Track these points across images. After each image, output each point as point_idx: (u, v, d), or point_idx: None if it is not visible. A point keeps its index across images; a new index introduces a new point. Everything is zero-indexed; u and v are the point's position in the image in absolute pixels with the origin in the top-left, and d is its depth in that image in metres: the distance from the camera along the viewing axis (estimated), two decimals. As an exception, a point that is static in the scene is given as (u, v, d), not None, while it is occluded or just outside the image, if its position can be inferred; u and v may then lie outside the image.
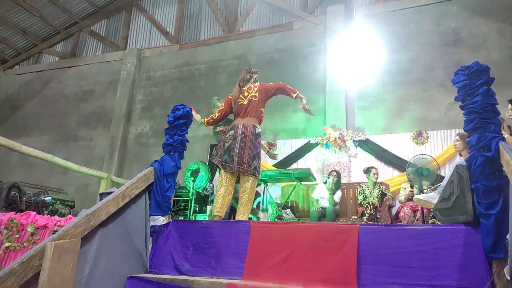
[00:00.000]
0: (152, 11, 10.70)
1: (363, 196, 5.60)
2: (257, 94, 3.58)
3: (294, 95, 3.54)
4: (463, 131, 3.81)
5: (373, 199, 5.48)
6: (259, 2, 9.25)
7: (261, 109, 3.60)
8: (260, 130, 3.54)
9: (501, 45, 6.67)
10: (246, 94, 3.62)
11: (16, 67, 12.14)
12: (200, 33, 9.82)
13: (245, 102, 3.58)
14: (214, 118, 3.81)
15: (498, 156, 2.15)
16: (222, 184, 3.52)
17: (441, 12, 7.28)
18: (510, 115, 3.66)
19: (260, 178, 5.42)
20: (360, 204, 5.64)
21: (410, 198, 5.26)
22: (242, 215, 3.42)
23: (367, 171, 5.86)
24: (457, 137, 3.99)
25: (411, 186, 5.27)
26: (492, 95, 2.31)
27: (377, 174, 5.85)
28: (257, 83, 3.77)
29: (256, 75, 3.82)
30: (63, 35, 11.62)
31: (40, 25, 11.24)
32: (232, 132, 3.48)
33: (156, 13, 10.63)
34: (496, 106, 2.31)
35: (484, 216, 2.11)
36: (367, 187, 5.69)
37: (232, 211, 5.79)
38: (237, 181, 3.62)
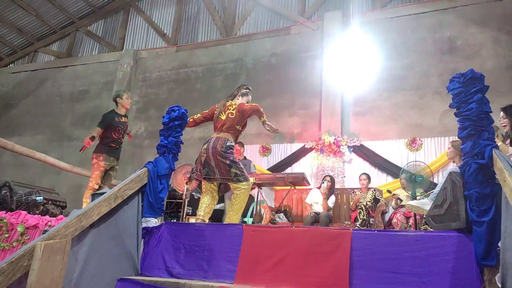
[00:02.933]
0: (150, 13, 10.70)
1: (354, 203, 5.66)
2: (234, 112, 3.60)
3: (262, 119, 3.58)
4: (456, 139, 3.84)
5: (366, 203, 5.51)
6: (257, 6, 9.28)
7: (237, 127, 3.60)
8: (232, 143, 3.52)
9: (496, 54, 6.73)
10: (226, 110, 3.64)
11: (11, 65, 12.06)
12: (197, 36, 9.83)
13: (223, 118, 3.61)
14: (195, 118, 3.82)
15: (492, 163, 2.16)
16: (206, 193, 3.58)
17: (437, 20, 7.35)
18: (502, 123, 3.70)
19: (253, 182, 5.46)
20: (353, 210, 5.67)
21: (398, 204, 5.38)
22: (230, 220, 3.42)
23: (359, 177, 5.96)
24: (449, 145, 4.03)
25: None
26: (487, 102, 2.33)
27: (364, 179, 5.87)
28: (242, 99, 3.74)
29: (243, 90, 3.79)
30: (59, 35, 11.58)
31: (36, 24, 11.19)
32: (205, 146, 3.51)
33: (154, 14, 10.63)
34: (490, 114, 2.32)
35: (477, 223, 2.12)
36: (360, 193, 5.73)
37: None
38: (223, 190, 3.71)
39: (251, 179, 5.29)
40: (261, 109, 3.58)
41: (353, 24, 7.78)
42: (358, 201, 5.58)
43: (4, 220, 3.74)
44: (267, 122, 3.59)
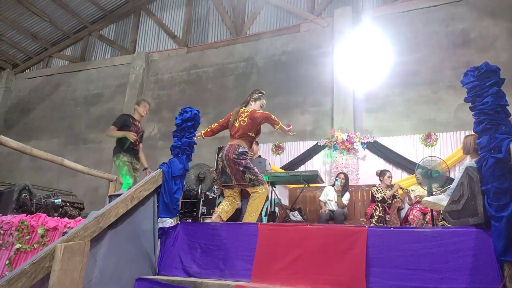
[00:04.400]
0: (160, 15, 10.79)
1: (381, 194, 5.58)
2: (246, 119, 3.60)
3: (276, 126, 3.50)
4: (469, 134, 3.78)
5: (386, 200, 5.49)
6: (266, 5, 9.28)
7: (250, 133, 3.59)
8: (244, 149, 3.51)
9: (510, 46, 6.58)
10: (239, 117, 3.65)
11: (26, 71, 12.32)
12: (207, 36, 9.87)
13: (237, 125, 3.63)
14: (213, 127, 3.86)
15: (509, 157, 2.12)
16: (227, 199, 3.63)
17: (449, 13, 7.23)
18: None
19: (268, 181, 5.46)
20: (373, 200, 5.64)
21: (413, 200, 5.33)
22: (246, 221, 3.44)
23: (381, 173, 5.83)
24: (464, 140, 3.97)
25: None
26: (503, 96, 2.29)
27: (391, 177, 5.83)
28: (255, 105, 3.71)
29: (256, 95, 3.76)
30: (72, 39, 11.77)
31: (50, 30, 11.40)
32: (221, 154, 3.57)
33: (164, 16, 10.72)
34: (507, 107, 2.28)
35: (495, 219, 2.08)
36: (382, 189, 5.67)
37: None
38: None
39: (265, 178, 5.32)
40: (272, 117, 3.52)
41: (363, 20, 7.71)
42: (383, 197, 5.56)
43: (25, 223, 3.83)
44: (283, 128, 3.53)
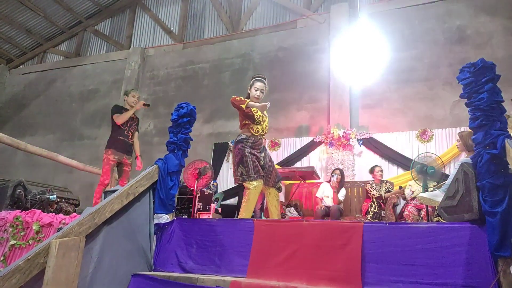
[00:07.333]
0: (156, 10, 10.72)
1: (377, 191, 5.59)
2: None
3: (243, 106, 3.41)
4: (463, 131, 3.78)
5: (382, 195, 5.49)
6: (263, 1, 9.24)
7: (244, 122, 3.57)
8: (241, 136, 3.48)
9: (506, 43, 6.61)
10: None
11: (21, 66, 12.21)
12: (203, 32, 9.83)
13: None
14: None
15: (504, 153, 2.13)
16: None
17: (446, 9, 7.24)
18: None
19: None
20: (368, 196, 5.64)
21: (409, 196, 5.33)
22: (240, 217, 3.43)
23: (371, 170, 5.86)
24: (458, 137, 3.98)
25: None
26: (498, 92, 2.29)
27: (381, 171, 5.83)
28: (252, 92, 3.61)
29: (250, 82, 3.67)
30: (67, 35, 11.68)
31: (44, 25, 11.30)
32: None
33: (160, 12, 10.65)
34: (502, 103, 2.29)
35: (490, 214, 2.09)
36: (376, 185, 5.68)
37: None
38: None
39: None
40: (237, 99, 3.46)
41: (360, 16, 7.70)
42: (374, 191, 5.56)
43: (20, 219, 3.82)
44: (252, 104, 3.39)
